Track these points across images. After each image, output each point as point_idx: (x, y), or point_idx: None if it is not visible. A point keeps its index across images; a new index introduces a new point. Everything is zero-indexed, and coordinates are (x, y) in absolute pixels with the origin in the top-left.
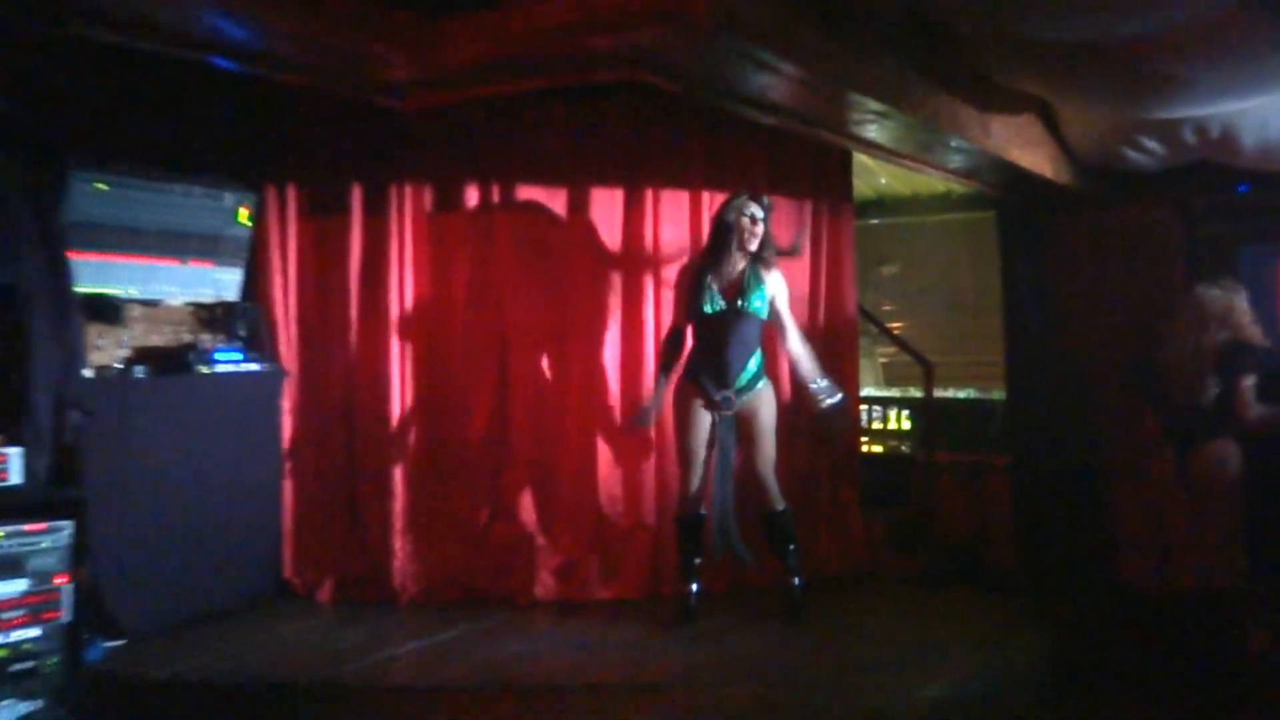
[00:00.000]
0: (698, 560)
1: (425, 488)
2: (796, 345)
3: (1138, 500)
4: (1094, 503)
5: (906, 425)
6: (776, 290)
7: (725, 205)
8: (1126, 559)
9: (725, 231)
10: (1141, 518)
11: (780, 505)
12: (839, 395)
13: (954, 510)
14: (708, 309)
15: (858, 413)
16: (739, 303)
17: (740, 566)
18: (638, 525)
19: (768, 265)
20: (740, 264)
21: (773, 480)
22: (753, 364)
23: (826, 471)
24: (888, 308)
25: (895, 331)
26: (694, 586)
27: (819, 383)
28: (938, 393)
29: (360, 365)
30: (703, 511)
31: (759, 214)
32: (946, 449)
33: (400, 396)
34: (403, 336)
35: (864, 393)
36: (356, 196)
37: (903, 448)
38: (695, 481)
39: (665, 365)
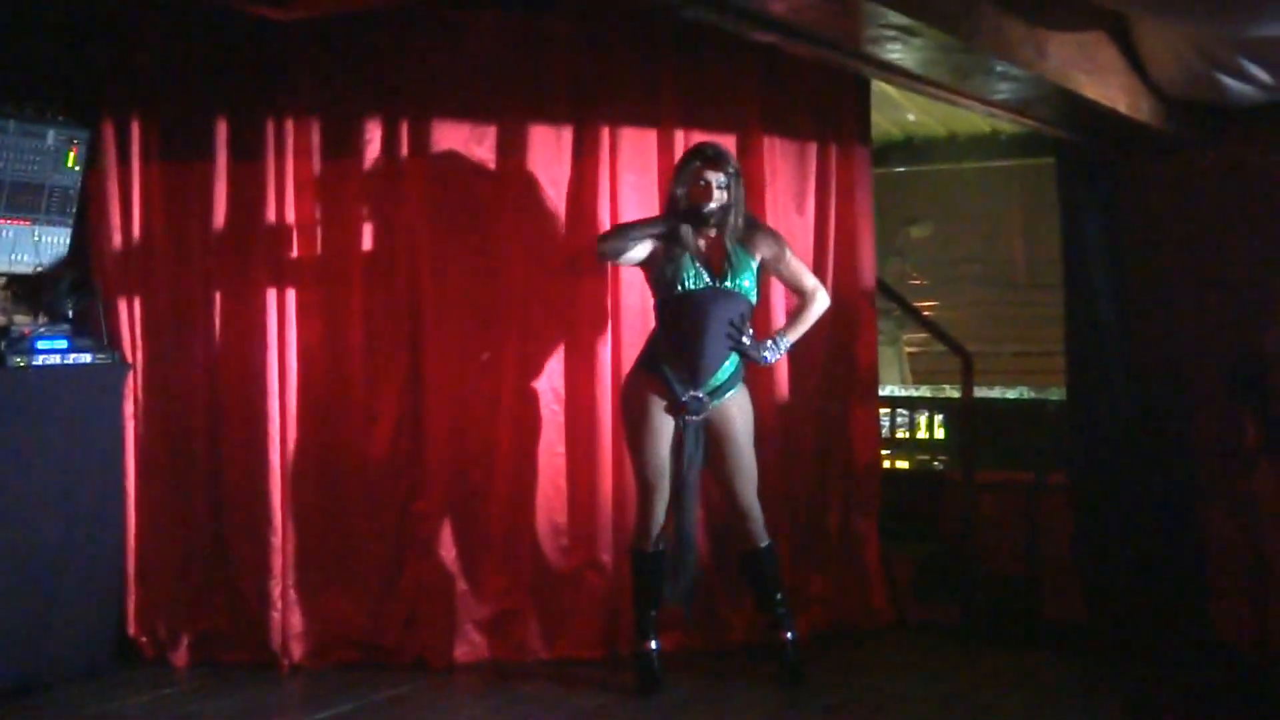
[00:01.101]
0: (653, 612)
1: (313, 518)
2: (810, 296)
3: (1236, 532)
4: (1180, 535)
5: (940, 434)
6: (775, 248)
7: (676, 169)
8: (1221, 607)
9: (672, 205)
10: (1240, 554)
11: (766, 540)
12: (767, 356)
13: (1000, 544)
14: (685, 283)
15: (875, 419)
16: (723, 280)
17: (682, 614)
18: (589, 564)
19: (746, 231)
20: (708, 236)
21: (757, 507)
22: (731, 362)
23: (836, 495)
24: (916, 282)
25: (926, 314)
26: (653, 644)
27: (781, 339)
28: (980, 392)
29: (228, 357)
30: (662, 546)
31: (720, 180)
32: (991, 465)
33: (280, 398)
34: (283, 319)
35: (885, 392)
36: (222, 135)
37: (934, 463)
38: (659, 505)
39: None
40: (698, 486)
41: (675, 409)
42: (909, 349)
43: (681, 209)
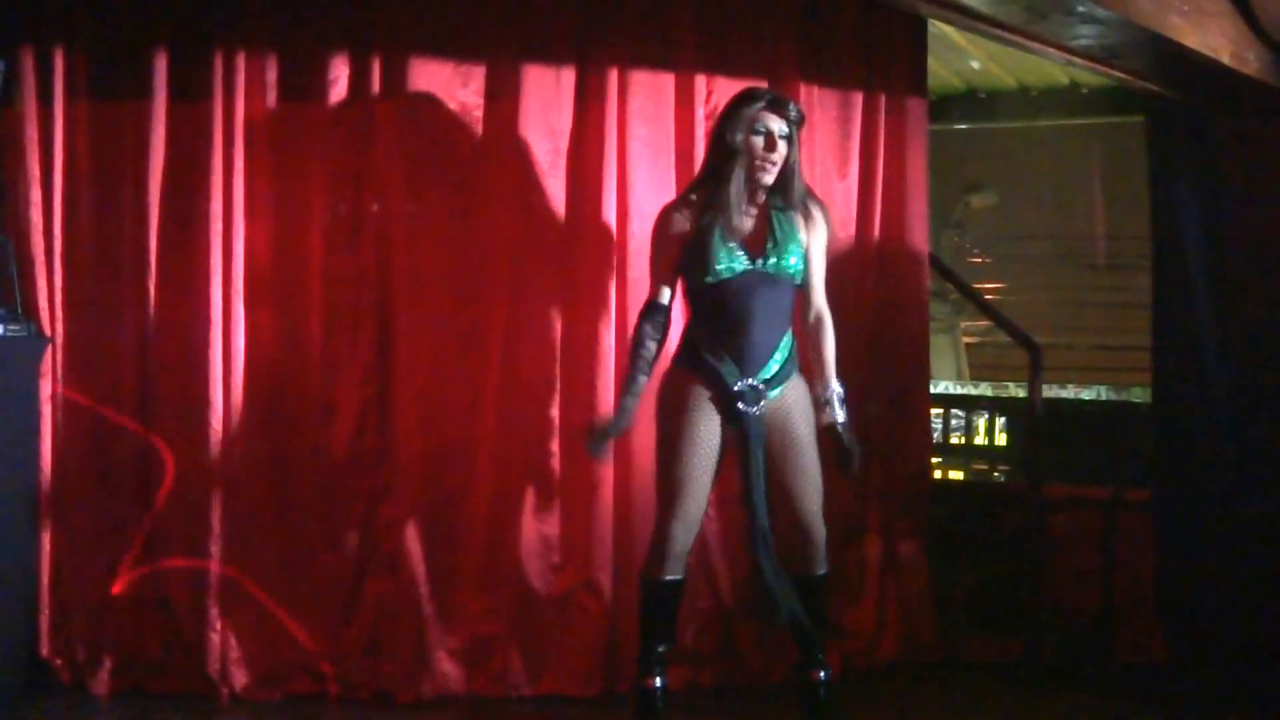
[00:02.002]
0: (667, 647)
1: (260, 524)
2: (826, 323)
3: None
4: None
5: (1002, 440)
6: (814, 236)
7: (728, 114)
8: None
9: (728, 157)
10: None
11: (824, 567)
12: (843, 414)
13: (1070, 571)
14: (722, 270)
15: (926, 421)
16: (765, 261)
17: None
18: (583, 586)
19: (803, 203)
20: (756, 203)
21: (822, 524)
22: (784, 346)
23: (877, 510)
24: (977, 260)
25: (988, 298)
26: (659, 681)
27: (834, 387)
28: (1049, 391)
29: (164, 333)
30: (682, 576)
31: (782, 129)
32: (1061, 478)
33: (224, 383)
34: (229, 289)
35: (937, 389)
36: (160, 70)
37: (995, 474)
38: (687, 523)
39: (641, 360)
40: (765, 492)
41: (727, 402)
42: (967, 339)
43: (740, 163)
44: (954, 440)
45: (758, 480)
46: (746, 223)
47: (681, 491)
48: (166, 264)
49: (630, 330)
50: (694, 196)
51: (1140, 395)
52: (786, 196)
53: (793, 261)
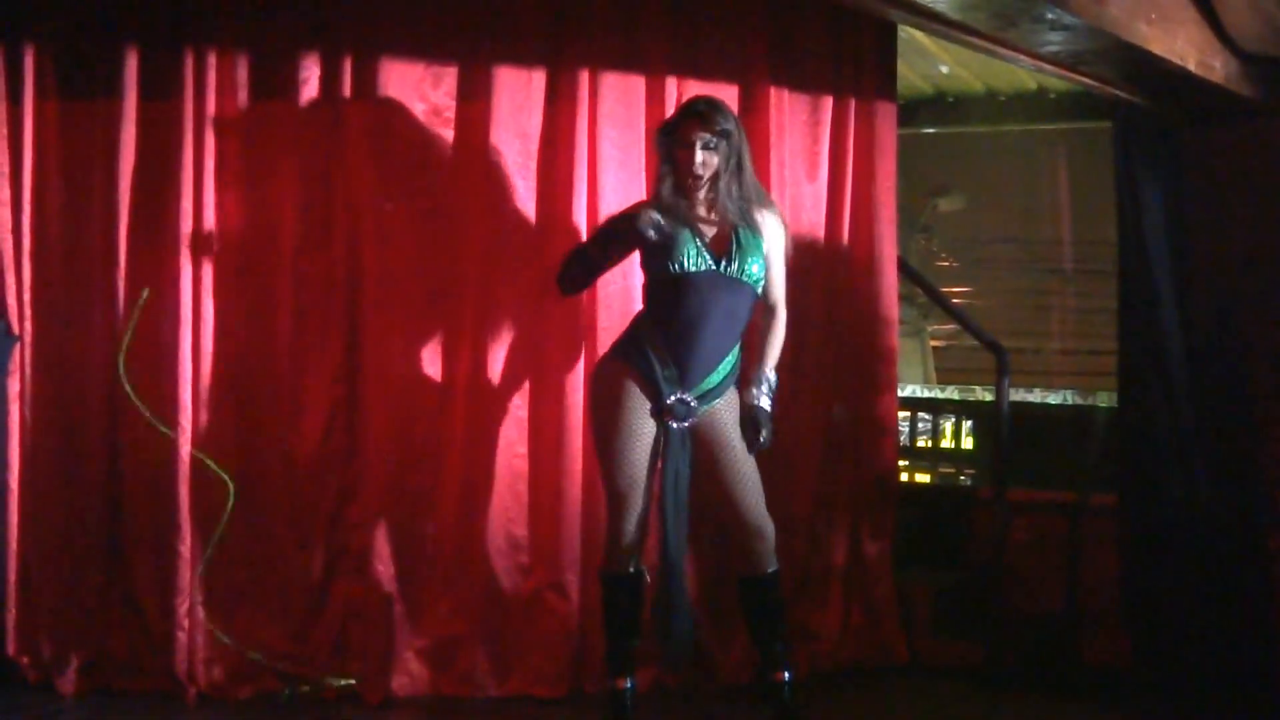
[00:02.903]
0: (633, 643)
1: (228, 523)
2: (780, 316)
3: None
4: (1246, 571)
5: (968, 444)
6: (772, 242)
7: (661, 126)
8: None
9: (662, 170)
10: None
11: (774, 565)
12: (769, 403)
13: (1035, 575)
14: (689, 264)
15: (893, 424)
16: (729, 265)
17: (673, 660)
18: (551, 586)
19: (744, 207)
20: (717, 211)
21: (770, 524)
22: (727, 362)
23: (843, 513)
24: (945, 264)
25: (955, 302)
26: (628, 682)
27: (768, 373)
28: (1016, 395)
29: (134, 331)
30: (643, 568)
31: (707, 140)
32: (1027, 481)
33: (193, 382)
34: (198, 288)
35: (905, 392)
36: (131, 70)
37: (962, 478)
38: (632, 520)
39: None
40: (686, 506)
41: (657, 412)
42: (934, 342)
43: (669, 175)
44: (921, 444)
45: (676, 494)
46: (709, 229)
47: (623, 489)
48: (136, 262)
49: (594, 318)
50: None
51: (1106, 400)
52: (737, 203)
53: (755, 269)
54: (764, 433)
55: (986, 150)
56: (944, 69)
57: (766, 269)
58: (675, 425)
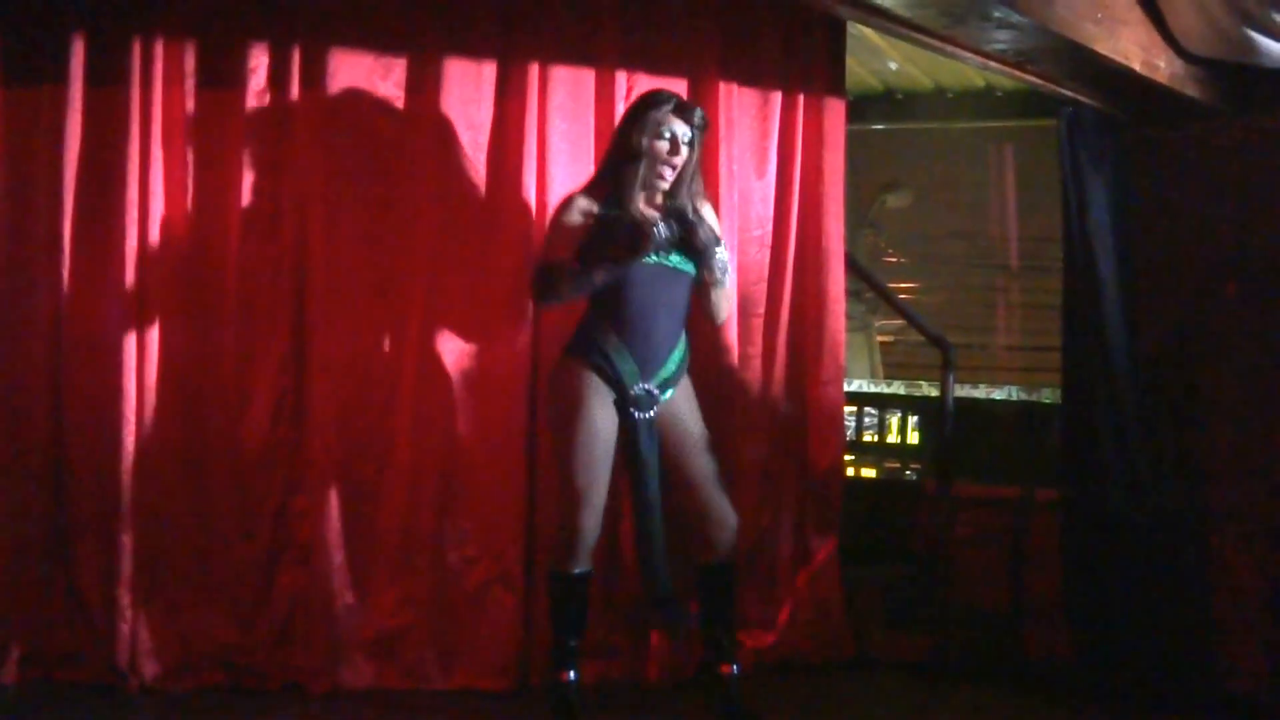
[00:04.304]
0: (574, 641)
1: (172, 514)
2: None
3: (1251, 566)
4: (1187, 567)
5: (914, 439)
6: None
7: (632, 115)
8: (1230, 652)
9: (630, 158)
10: (1255, 592)
11: (734, 555)
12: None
13: (979, 569)
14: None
15: (840, 418)
16: (668, 257)
17: (674, 636)
18: (498, 579)
19: (691, 203)
20: (653, 203)
21: (731, 510)
22: (678, 351)
23: (790, 506)
24: (892, 260)
25: (902, 298)
26: (571, 674)
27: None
28: (962, 391)
29: (76, 320)
30: (590, 568)
31: (686, 134)
32: (972, 476)
33: (137, 370)
34: (144, 278)
35: (851, 387)
36: (77, 58)
37: (907, 472)
38: (591, 518)
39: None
40: (659, 493)
41: (623, 405)
42: (881, 338)
43: (643, 164)
44: (867, 438)
45: (650, 484)
46: (642, 216)
47: (585, 485)
48: (80, 251)
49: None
50: (595, 191)
51: (1050, 396)
52: (679, 197)
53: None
54: (710, 255)
55: (935, 147)
56: (893, 65)
57: None
58: (641, 415)
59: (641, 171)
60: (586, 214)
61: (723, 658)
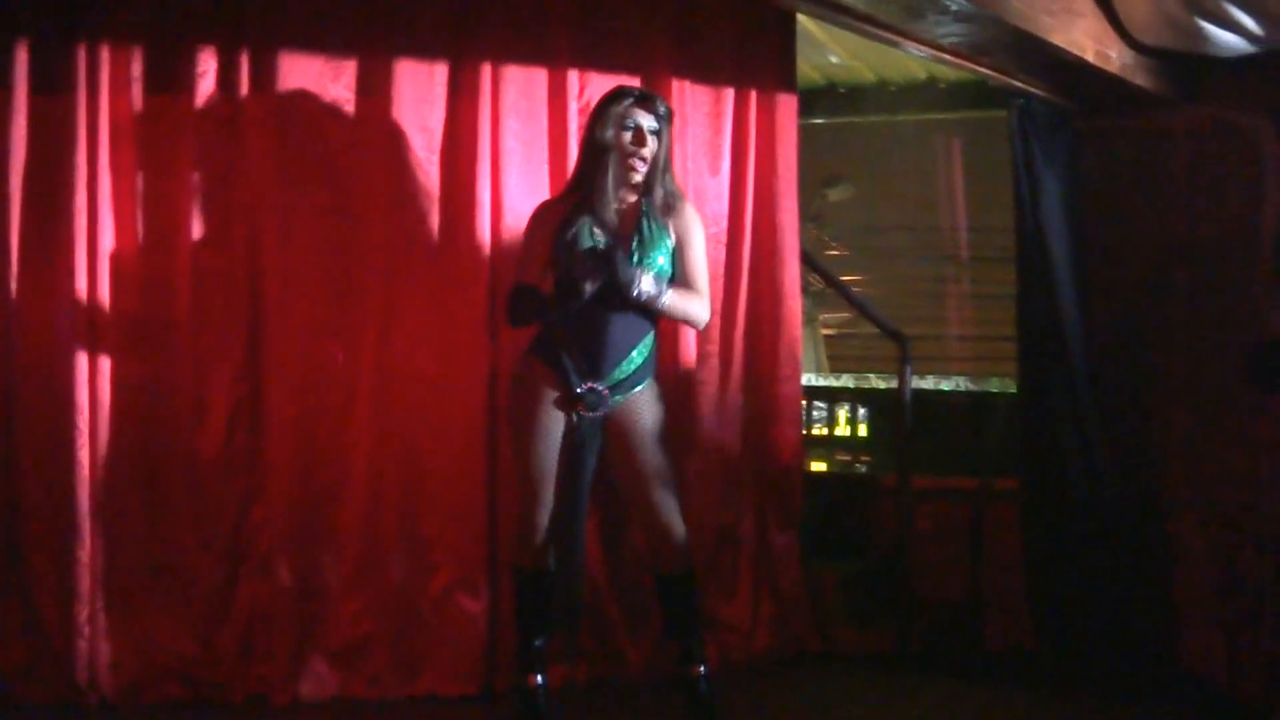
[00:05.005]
0: (540, 642)
1: (129, 527)
2: (697, 298)
3: (1209, 550)
4: (1146, 553)
5: (863, 431)
6: (686, 233)
7: (597, 112)
8: (1190, 636)
9: (599, 154)
10: (1213, 576)
11: (687, 565)
12: (640, 282)
13: (941, 561)
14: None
15: (798, 414)
16: (630, 258)
17: (566, 647)
18: (460, 584)
19: (670, 201)
20: (628, 200)
21: (680, 524)
22: (641, 351)
23: (751, 502)
24: (836, 252)
25: (851, 289)
26: (538, 678)
27: (662, 285)
28: (914, 383)
29: (26, 332)
30: (550, 566)
31: (651, 124)
32: (928, 469)
33: (90, 383)
34: (94, 287)
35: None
36: (21, 63)
37: (858, 465)
38: (543, 515)
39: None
40: (587, 498)
41: (568, 403)
42: (827, 331)
43: (612, 160)
44: (816, 431)
45: (582, 487)
46: (614, 217)
47: (538, 480)
48: (28, 261)
49: (500, 313)
50: (567, 195)
51: (998, 386)
52: (654, 194)
53: (660, 261)
54: (617, 270)
55: (880, 140)
56: (835, 59)
57: (678, 265)
58: (587, 415)
59: (612, 168)
60: (552, 222)
61: (691, 660)
